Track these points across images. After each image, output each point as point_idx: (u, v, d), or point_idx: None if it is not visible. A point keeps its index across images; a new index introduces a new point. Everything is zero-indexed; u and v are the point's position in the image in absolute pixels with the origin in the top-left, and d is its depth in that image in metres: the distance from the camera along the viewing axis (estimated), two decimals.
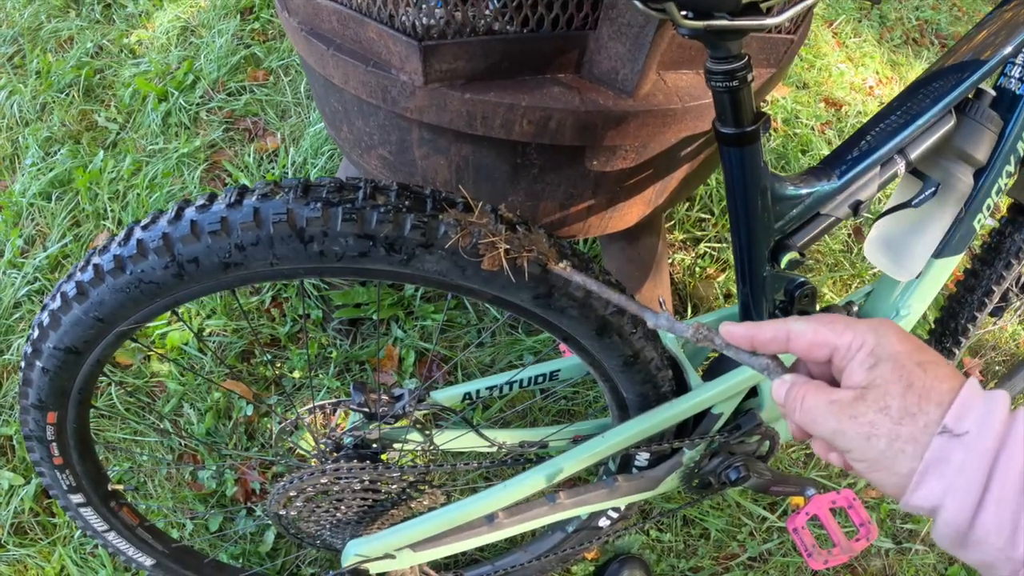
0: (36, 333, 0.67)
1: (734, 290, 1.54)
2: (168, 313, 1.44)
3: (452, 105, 0.77)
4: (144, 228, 0.60)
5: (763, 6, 0.62)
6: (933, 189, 0.83)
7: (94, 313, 0.63)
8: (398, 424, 0.85)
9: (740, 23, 0.60)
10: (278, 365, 1.41)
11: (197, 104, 1.82)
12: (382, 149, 0.92)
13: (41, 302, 1.52)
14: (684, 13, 0.59)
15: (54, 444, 0.78)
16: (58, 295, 0.64)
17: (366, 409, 0.82)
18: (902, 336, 0.40)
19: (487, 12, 0.73)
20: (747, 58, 0.64)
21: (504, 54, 0.76)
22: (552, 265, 0.60)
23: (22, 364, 0.70)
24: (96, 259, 0.62)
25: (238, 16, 2.01)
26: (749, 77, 0.65)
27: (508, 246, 0.59)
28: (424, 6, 0.71)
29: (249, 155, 1.71)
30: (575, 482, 1.23)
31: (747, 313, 0.82)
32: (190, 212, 0.59)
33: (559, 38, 0.77)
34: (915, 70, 2.16)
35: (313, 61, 0.86)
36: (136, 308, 0.63)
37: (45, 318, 0.66)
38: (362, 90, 0.81)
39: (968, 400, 0.37)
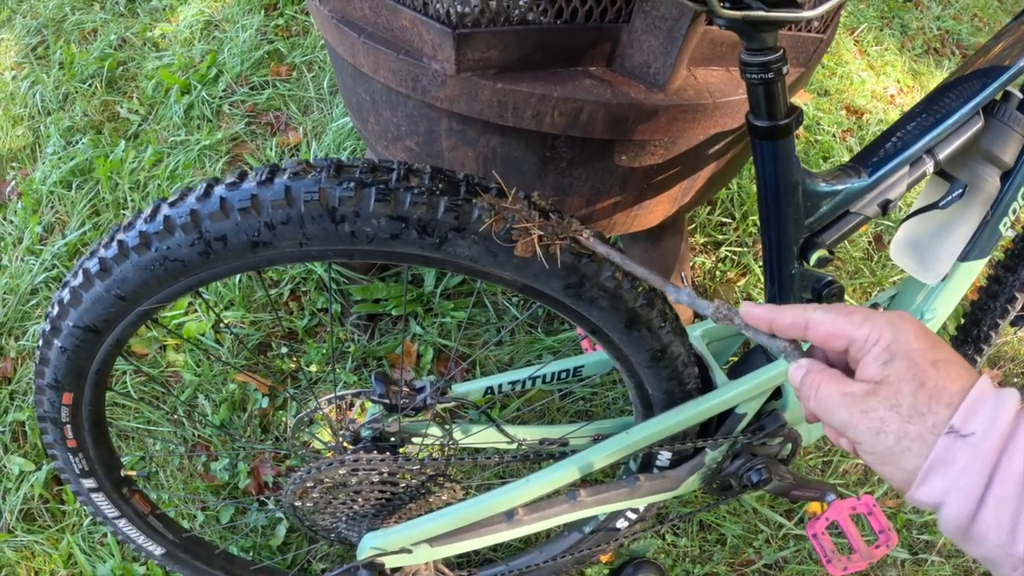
0: (55, 310, 0.66)
1: (754, 294, 1.53)
2: (186, 304, 1.44)
3: (483, 95, 0.76)
4: (171, 205, 0.59)
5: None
6: (960, 191, 0.83)
7: (116, 291, 0.62)
8: (418, 417, 0.84)
9: (776, 14, 0.60)
10: (294, 359, 1.41)
11: (220, 97, 1.83)
12: (409, 140, 0.91)
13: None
14: (723, 3, 0.59)
15: (68, 426, 0.76)
16: (80, 271, 0.63)
17: (387, 400, 0.82)
18: (919, 332, 0.40)
19: (521, 2, 0.73)
20: (782, 51, 0.64)
21: (537, 44, 0.75)
22: (580, 236, 0.60)
23: (39, 343, 0.69)
24: (121, 235, 0.60)
25: (262, 12, 2.02)
26: (784, 70, 0.65)
27: (542, 232, 0.59)
28: None
29: (271, 149, 1.72)
30: (595, 481, 1.22)
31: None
32: (219, 189, 0.58)
33: (592, 30, 0.77)
34: (936, 79, 2.15)
35: (343, 50, 0.86)
36: (159, 287, 0.62)
37: (65, 295, 0.64)
38: (392, 79, 0.81)
39: (977, 401, 0.37)
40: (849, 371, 0.43)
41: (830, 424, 0.42)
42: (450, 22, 0.72)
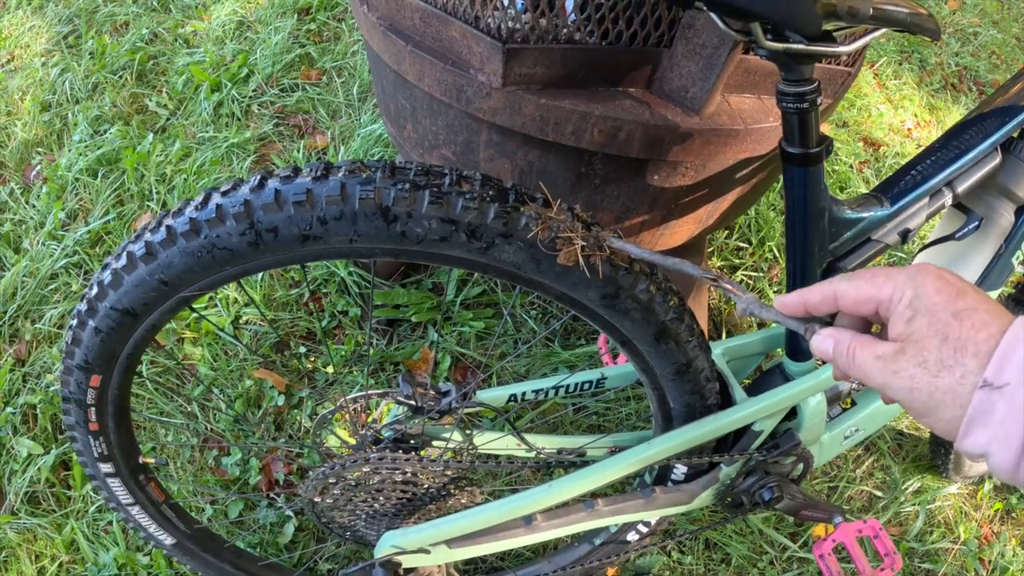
0: (94, 291, 0.66)
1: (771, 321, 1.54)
2: (206, 298, 1.45)
3: (527, 109, 0.79)
4: (224, 194, 0.60)
5: (836, 35, 0.65)
6: (976, 223, 0.86)
7: (160, 275, 0.62)
8: (440, 421, 0.86)
9: (816, 48, 0.62)
10: (312, 359, 1.42)
11: (249, 97, 1.85)
12: (446, 149, 0.94)
13: (79, 275, 1.54)
14: (765, 36, 0.62)
15: (92, 409, 0.76)
16: (124, 254, 0.63)
17: (412, 402, 0.83)
18: (940, 285, 0.41)
19: (570, 22, 0.75)
20: (817, 83, 0.66)
21: (582, 64, 0.78)
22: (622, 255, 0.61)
23: (72, 323, 0.69)
24: (169, 221, 0.61)
25: (295, 16, 2.06)
26: (818, 101, 0.67)
27: (584, 243, 0.61)
28: (511, 11, 0.74)
29: (298, 151, 1.74)
30: (612, 491, 1.23)
31: (793, 332, 0.84)
32: (274, 182, 0.59)
33: (635, 53, 0.79)
34: (953, 115, 2.19)
35: (388, 57, 0.89)
36: (204, 274, 0.63)
37: (106, 276, 0.64)
38: (436, 88, 0.84)
39: (1009, 349, 0.37)
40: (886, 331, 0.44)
41: (870, 386, 0.44)
42: (500, 37, 0.74)
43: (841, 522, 0.96)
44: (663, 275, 0.70)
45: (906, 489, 1.37)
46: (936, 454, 1.34)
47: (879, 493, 1.36)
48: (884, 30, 0.69)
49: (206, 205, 0.61)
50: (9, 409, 1.34)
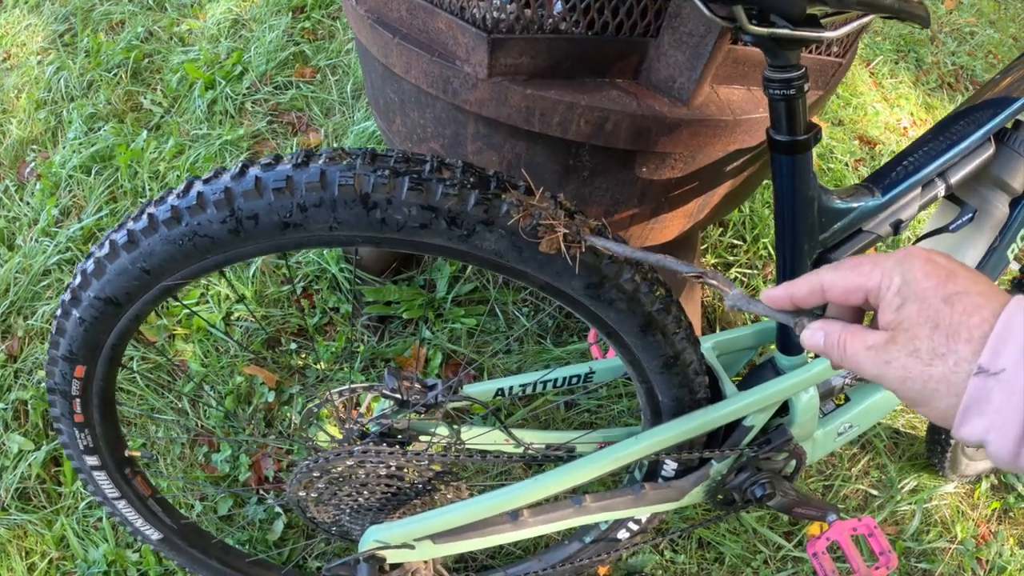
0: (78, 280, 0.66)
1: (761, 316, 1.54)
2: (198, 295, 1.45)
3: (512, 100, 0.78)
4: (205, 182, 0.60)
5: (823, 21, 0.64)
6: (970, 215, 0.85)
7: (142, 264, 0.62)
8: (426, 416, 0.85)
9: (801, 33, 0.62)
10: (303, 355, 1.41)
11: (243, 95, 1.85)
12: (434, 142, 0.93)
13: (71, 272, 1.53)
14: (751, 22, 0.62)
15: (77, 400, 0.76)
16: (107, 243, 0.63)
17: (398, 396, 0.82)
18: (928, 269, 0.39)
19: (555, 12, 0.75)
20: (804, 69, 0.66)
21: (568, 54, 0.77)
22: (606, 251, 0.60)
23: (57, 313, 0.69)
24: (151, 209, 0.61)
25: (289, 14, 2.06)
26: (805, 87, 0.67)
27: (567, 231, 0.60)
28: (496, 1, 0.73)
29: (292, 148, 1.74)
30: (601, 487, 1.22)
31: (783, 326, 0.83)
32: (255, 170, 0.59)
33: (621, 43, 0.79)
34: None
35: (375, 50, 0.88)
36: (186, 263, 0.63)
37: (90, 266, 0.64)
38: (423, 80, 0.83)
39: (1004, 332, 0.36)
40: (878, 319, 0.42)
41: (864, 377, 0.42)
42: (485, 27, 0.74)
43: (835, 520, 0.95)
44: (648, 265, 0.69)
45: (902, 488, 1.36)
46: (933, 452, 1.33)
47: (875, 492, 1.35)
48: (872, 17, 0.68)
49: (187, 193, 0.60)
50: (0, 405, 1.34)
